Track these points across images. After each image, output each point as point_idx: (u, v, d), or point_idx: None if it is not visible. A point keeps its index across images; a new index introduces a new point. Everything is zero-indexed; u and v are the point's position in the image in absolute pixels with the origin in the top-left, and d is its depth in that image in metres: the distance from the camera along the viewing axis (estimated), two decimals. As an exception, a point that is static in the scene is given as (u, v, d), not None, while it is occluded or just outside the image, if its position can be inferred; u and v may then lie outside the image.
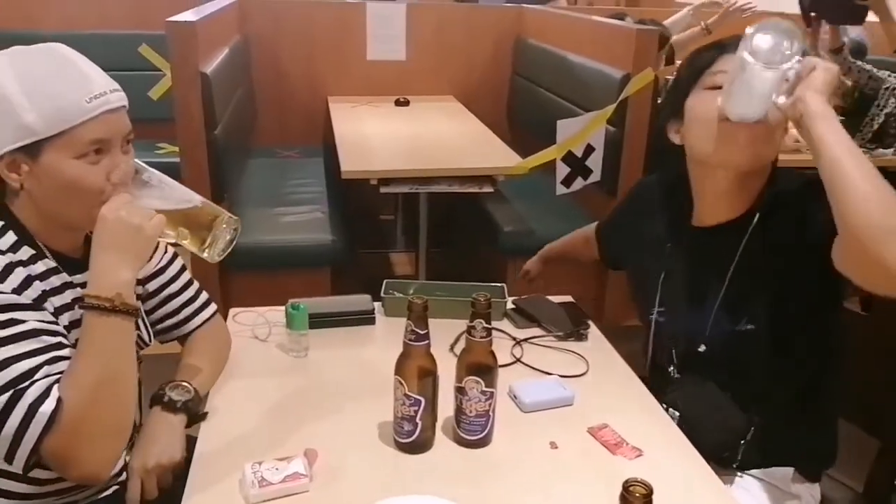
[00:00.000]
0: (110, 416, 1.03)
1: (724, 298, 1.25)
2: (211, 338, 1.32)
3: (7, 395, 0.96)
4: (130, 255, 1.05)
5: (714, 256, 1.26)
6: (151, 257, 1.25)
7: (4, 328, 0.98)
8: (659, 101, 2.82)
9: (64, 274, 1.09)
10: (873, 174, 0.97)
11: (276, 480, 1.02)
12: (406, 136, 3.21)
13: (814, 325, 1.22)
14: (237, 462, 1.08)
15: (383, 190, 2.70)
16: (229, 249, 1.16)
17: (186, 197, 1.14)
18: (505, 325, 1.54)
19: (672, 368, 1.35)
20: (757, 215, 1.22)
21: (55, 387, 0.99)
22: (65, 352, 1.03)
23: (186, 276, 1.32)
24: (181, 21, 2.45)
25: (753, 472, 1.31)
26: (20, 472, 1.02)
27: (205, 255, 1.14)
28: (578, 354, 1.44)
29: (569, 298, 1.66)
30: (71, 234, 1.12)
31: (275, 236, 2.78)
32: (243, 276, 2.59)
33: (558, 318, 1.55)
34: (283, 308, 1.50)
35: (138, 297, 1.22)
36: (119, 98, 1.07)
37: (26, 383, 0.97)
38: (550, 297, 1.63)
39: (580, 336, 1.50)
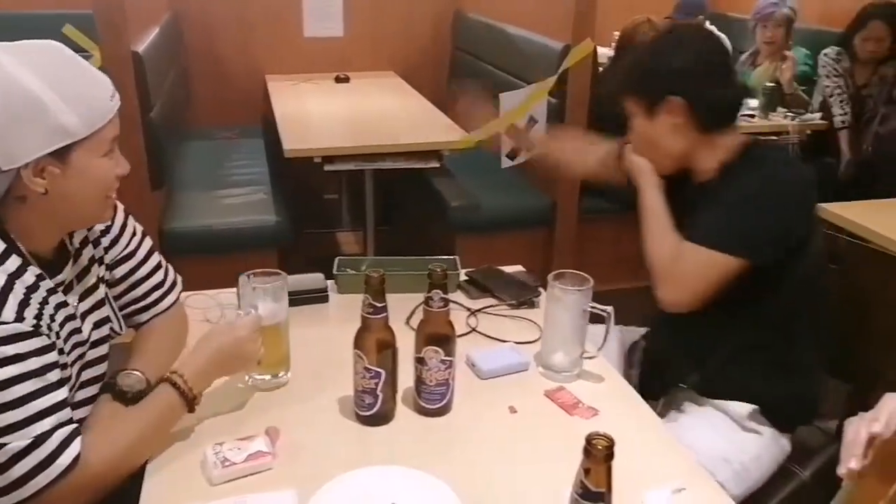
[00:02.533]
0: (121, 477, 1.03)
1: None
2: (171, 323, 1.29)
3: (23, 441, 0.93)
4: (228, 375, 1.19)
5: (676, 208, 1.46)
6: (120, 238, 1.22)
7: (11, 364, 0.93)
8: (600, 71, 2.86)
9: (48, 280, 1.04)
10: (667, 228, 1.41)
11: (240, 460, 1.02)
12: (348, 112, 3.18)
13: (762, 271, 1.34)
14: (196, 446, 1.07)
15: (327, 168, 2.67)
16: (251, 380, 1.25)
17: (281, 320, 1.24)
18: (459, 296, 1.55)
19: None
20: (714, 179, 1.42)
21: (76, 440, 0.97)
22: (63, 391, 0.99)
23: (155, 258, 1.28)
24: (108, -2, 2.35)
25: (717, 402, 1.42)
26: None
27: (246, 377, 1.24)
28: (531, 321, 1.47)
29: (520, 268, 1.69)
30: (56, 234, 1.08)
31: (218, 219, 2.73)
32: (188, 261, 2.46)
33: (510, 288, 1.57)
34: (233, 290, 1.48)
35: (105, 282, 1.19)
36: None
37: (39, 431, 0.94)
38: (502, 268, 1.66)
39: (532, 303, 1.53)
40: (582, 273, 1.25)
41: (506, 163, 2.77)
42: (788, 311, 1.38)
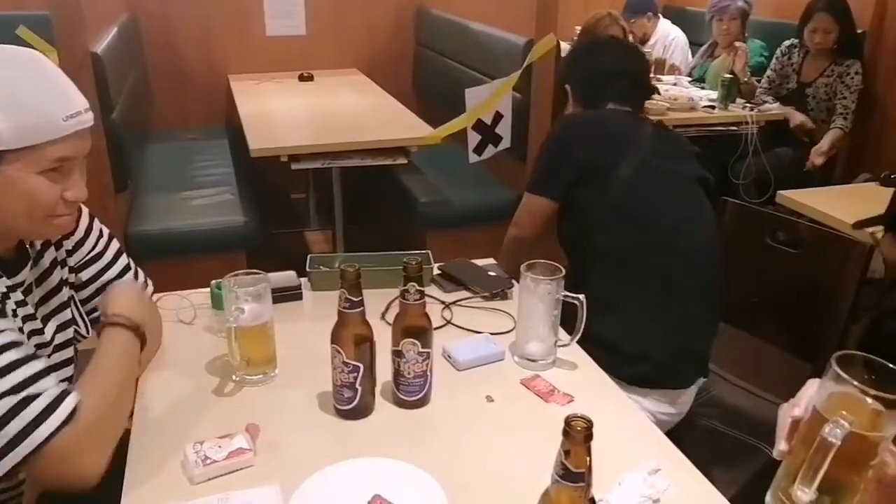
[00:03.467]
0: (119, 421, 1.06)
1: None
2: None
3: (16, 397, 0.93)
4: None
5: None
6: (85, 240, 1.20)
7: None
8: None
9: (5, 279, 1.03)
10: None
11: (220, 458, 1.02)
12: (313, 111, 3.17)
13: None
14: (176, 445, 1.06)
15: (294, 167, 2.66)
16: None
17: (267, 320, 1.22)
18: (433, 290, 1.56)
19: None
20: None
21: (70, 396, 0.98)
22: (42, 361, 0.99)
23: (123, 260, 1.27)
24: (65, -2, 2.31)
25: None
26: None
27: (238, 373, 1.23)
28: (505, 312, 1.49)
29: (491, 261, 1.71)
30: (6, 238, 1.06)
31: (186, 221, 2.70)
32: (155, 264, 2.45)
33: (483, 280, 1.59)
34: (205, 290, 1.47)
35: (71, 285, 1.18)
36: (90, 118, 1.02)
37: (31, 388, 0.95)
38: (474, 261, 1.67)
39: (505, 295, 1.55)
40: (554, 263, 1.28)
41: (473, 158, 2.78)
42: (619, 249, 1.56)
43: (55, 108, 0.97)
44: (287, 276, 1.54)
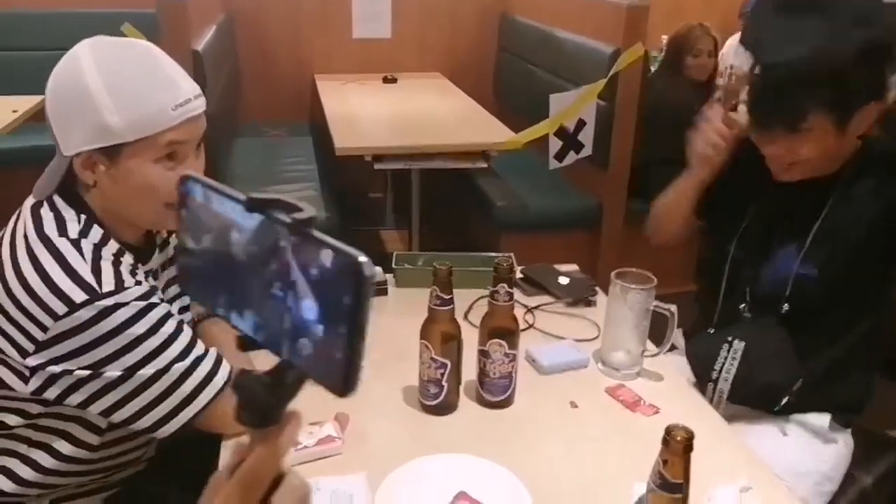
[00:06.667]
0: None
1: (805, 254, 1.33)
2: None
3: (184, 363, 1.02)
4: None
5: (799, 211, 1.34)
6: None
7: (152, 309, 1.01)
8: (650, 75, 2.84)
9: (140, 265, 1.10)
10: None
11: (311, 444, 1.05)
12: (396, 112, 3.21)
13: (876, 282, 1.33)
14: (268, 428, 1.10)
15: (377, 166, 2.70)
16: None
17: None
18: (515, 293, 1.56)
19: (744, 306, 1.41)
20: (841, 179, 1.30)
21: (224, 359, 1.08)
22: (189, 330, 1.07)
23: None
24: (171, -2, 2.42)
25: (795, 416, 1.38)
26: (156, 438, 1.07)
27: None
28: (589, 319, 1.48)
29: (574, 267, 1.70)
30: (135, 227, 1.12)
31: (270, 215, 2.78)
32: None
33: (566, 286, 1.58)
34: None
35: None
36: (201, 104, 1.05)
37: (194, 353, 1.04)
38: (556, 266, 1.67)
39: (588, 302, 1.54)
40: (645, 272, 1.26)
41: (553, 164, 2.77)
42: (874, 320, 1.36)
43: (164, 99, 0.99)
44: (373, 272, 1.57)
